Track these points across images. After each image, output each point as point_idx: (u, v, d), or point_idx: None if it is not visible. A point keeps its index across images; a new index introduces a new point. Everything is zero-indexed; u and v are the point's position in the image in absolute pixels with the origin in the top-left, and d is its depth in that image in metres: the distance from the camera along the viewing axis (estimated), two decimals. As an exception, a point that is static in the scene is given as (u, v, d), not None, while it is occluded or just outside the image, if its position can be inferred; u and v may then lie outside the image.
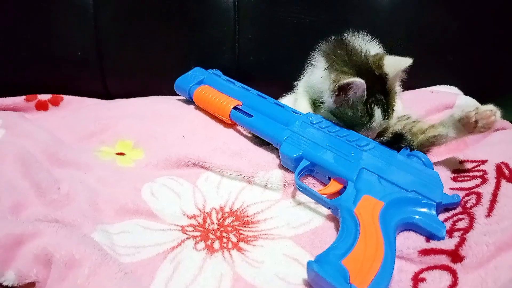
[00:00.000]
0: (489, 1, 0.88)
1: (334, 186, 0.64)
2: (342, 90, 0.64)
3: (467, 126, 0.60)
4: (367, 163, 0.64)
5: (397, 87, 0.70)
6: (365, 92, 0.64)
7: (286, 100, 0.88)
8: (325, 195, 0.62)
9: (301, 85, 0.83)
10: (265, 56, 0.96)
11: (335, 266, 0.48)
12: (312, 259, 0.51)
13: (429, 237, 0.55)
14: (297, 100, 0.83)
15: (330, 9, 0.91)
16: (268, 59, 0.97)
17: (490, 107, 0.59)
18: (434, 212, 0.57)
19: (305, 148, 0.68)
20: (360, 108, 0.66)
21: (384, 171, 0.62)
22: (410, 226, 0.57)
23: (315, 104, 0.82)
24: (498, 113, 0.58)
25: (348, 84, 0.63)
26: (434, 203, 0.57)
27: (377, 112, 0.65)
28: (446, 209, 0.59)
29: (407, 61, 0.64)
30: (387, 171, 0.62)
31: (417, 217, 0.57)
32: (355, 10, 0.91)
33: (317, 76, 0.72)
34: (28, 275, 0.48)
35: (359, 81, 0.62)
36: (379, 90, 0.65)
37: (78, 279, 0.46)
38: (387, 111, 0.66)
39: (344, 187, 0.62)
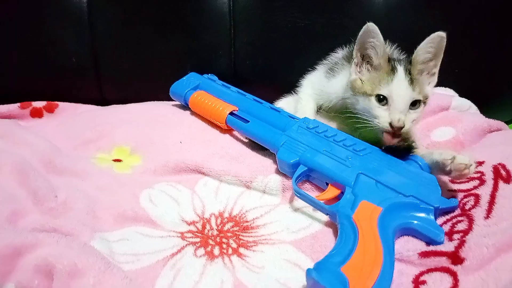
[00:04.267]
0: (483, 5, 0.89)
1: (331, 192, 0.64)
2: (362, 47, 0.67)
3: (442, 169, 0.61)
4: (364, 168, 0.63)
5: (430, 84, 0.69)
6: (384, 46, 0.65)
7: (284, 102, 0.89)
8: (323, 201, 0.62)
9: (309, 86, 0.83)
10: (261, 60, 0.97)
11: (334, 274, 0.48)
12: (313, 263, 0.51)
13: (428, 242, 0.55)
14: (301, 100, 0.83)
15: (326, 13, 0.91)
16: (264, 63, 0.97)
17: (465, 160, 0.58)
18: (432, 217, 0.57)
19: (302, 153, 0.68)
20: (384, 66, 0.66)
21: (381, 176, 0.62)
22: (409, 231, 0.57)
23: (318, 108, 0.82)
24: (473, 166, 0.58)
25: (363, 35, 0.66)
26: (432, 207, 0.57)
27: (400, 68, 0.65)
28: (445, 211, 0.59)
29: (436, 34, 0.64)
30: (385, 175, 0.62)
31: (415, 222, 0.56)
32: (350, 14, 0.91)
33: (341, 83, 0.73)
34: (29, 286, 0.48)
35: (370, 24, 0.64)
36: (405, 61, 0.67)
37: (84, 289, 0.46)
38: (410, 74, 0.65)
39: (342, 193, 0.62)
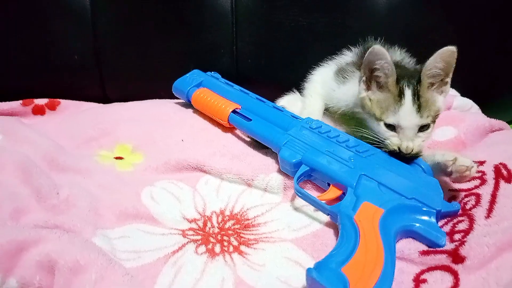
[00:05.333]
0: (485, 5, 0.89)
1: (333, 192, 0.64)
2: (369, 67, 0.65)
3: (443, 170, 0.61)
4: (367, 169, 0.63)
5: (443, 93, 0.66)
6: (392, 66, 0.63)
7: (286, 100, 0.88)
8: (324, 201, 0.62)
9: (319, 85, 0.82)
10: (263, 59, 0.96)
11: (334, 274, 0.48)
12: (314, 261, 0.51)
13: (429, 245, 0.55)
14: (310, 98, 0.82)
15: (328, 12, 0.91)
16: (267, 62, 0.97)
17: (467, 162, 0.58)
18: (434, 220, 0.57)
19: (304, 153, 0.68)
20: (392, 88, 0.64)
21: (384, 177, 0.62)
22: (410, 234, 0.57)
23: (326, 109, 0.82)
24: (474, 168, 0.58)
25: (368, 57, 0.64)
26: (434, 210, 0.57)
27: (408, 93, 0.63)
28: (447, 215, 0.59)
29: (446, 48, 0.61)
30: (387, 177, 0.62)
31: (417, 224, 0.56)
32: (352, 13, 0.91)
33: (352, 92, 0.72)
34: (31, 282, 0.48)
35: (377, 47, 0.62)
36: (414, 79, 0.64)
37: (85, 285, 0.46)
38: (418, 99, 0.63)
39: (344, 193, 0.62)
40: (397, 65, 0.68)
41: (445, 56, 0.62)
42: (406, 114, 0.63)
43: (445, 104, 0.67)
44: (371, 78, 0.67)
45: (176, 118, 0.86)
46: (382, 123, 0.66)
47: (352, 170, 0.64)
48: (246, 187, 0.71)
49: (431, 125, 0.65)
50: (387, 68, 0.64)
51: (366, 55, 0.64)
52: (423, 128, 0.64)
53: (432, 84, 0.65)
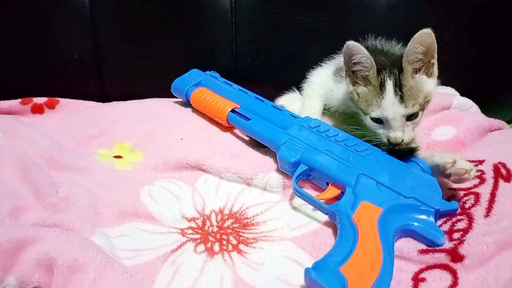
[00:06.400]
0: (485, 5, 0.89)
1: (332, 192, 0.63)
2: (348, 63, 0.66)
3: (442, 172, 0.61)
4: (365, 168, 0.63)
5: (432, 76, 0.65)
6: (371, 59, 0.63)
7: (285, 99, 0.88)
8: (323, 201, 0.62)
9: (319, 85, 0.82)
10: (262, 58, 0.96)
11: (333, 274, 0.48)
12: (313, 260, 0.51)
13: (428, 244, 0.55)
14: (309, 99, 0.82)
15: (328, 11, 0.91)
16: (266, 61, 0.97)
17: (466, 165, 0.58)
18: (432, 219, 0.56)
19: (303, 152, 0.68)
20: (373, 81, 0.64)
21: (382, 176, 0.61)
22: (409, 233, 0.57)
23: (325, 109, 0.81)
24: (473, 171, 0.58)
25: (345, 54, 0.65)
26: (433, 210, 0.57)
27: (389, 84, 0.63)
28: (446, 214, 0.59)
29: (421, 32, 0.61)
30: (386, 177, 0.61)
31: (415, 224, 0.56)
32: (352, 12, 0.91)
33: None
34: (29, 281, 0.48)
35: (350, 43, 0.63)
36: (396, 68, 0.64)
37: (84, 284, 0.46)
38: (400, 89, 0.62)
39: (342, 193, 0.62)
40: (386, 54, 0.68)
41: (422, 40, 0.61)
42: (389, 106, 0.63)
43: (436, 88, 0.67)
44: (355, 73, 0.67)
45: (176, 117, 0.87)
46: (368, 117, 0.66)
47: (351, 169, 0.63)
48: (245, 186, 0.71)
49: (420, 113, 0.65)
50: (366, 61, 0.64)
51: (343, 52, 0.65)
52: (411, 117, 0.64)
53: (418, 69, 0.64)
